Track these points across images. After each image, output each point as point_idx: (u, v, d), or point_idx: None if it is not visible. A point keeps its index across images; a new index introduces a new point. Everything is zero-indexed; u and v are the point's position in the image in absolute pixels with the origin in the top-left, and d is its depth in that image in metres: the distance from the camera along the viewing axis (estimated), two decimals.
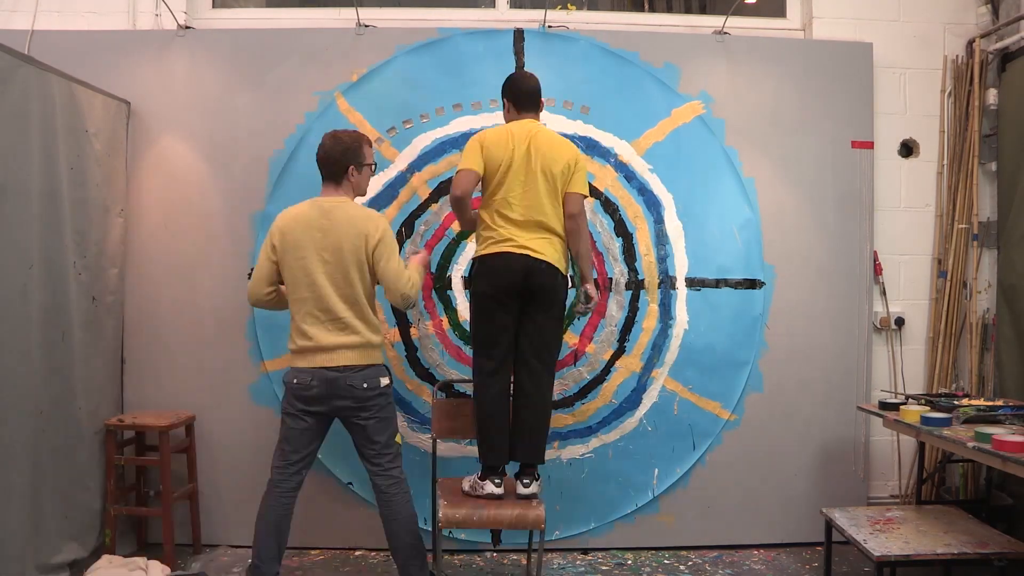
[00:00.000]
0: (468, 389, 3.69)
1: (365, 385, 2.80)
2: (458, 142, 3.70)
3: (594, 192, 3.73)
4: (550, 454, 3.70)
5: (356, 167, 2.88)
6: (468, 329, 3.69)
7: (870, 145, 3.87)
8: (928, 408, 3.20)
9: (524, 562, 3.59)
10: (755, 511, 3.76)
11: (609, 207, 3.74)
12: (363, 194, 3.02)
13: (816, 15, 3.98)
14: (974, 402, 3.28)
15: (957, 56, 3.97)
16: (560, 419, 3.70)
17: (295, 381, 2.83)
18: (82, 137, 3.31)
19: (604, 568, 3.55)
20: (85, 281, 3.34)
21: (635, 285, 3.75)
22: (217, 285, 3.70)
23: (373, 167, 2.99)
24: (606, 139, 3.74)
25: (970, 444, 2.74)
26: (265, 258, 2.88)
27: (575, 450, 3.72)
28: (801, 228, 3.82)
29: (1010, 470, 2.59)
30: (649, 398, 3.74)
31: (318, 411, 2.83)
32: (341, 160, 2.86)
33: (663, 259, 3.76)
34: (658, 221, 3.75)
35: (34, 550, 2.93)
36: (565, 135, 3.70)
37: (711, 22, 4.02)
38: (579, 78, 3.75)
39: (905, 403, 3.37)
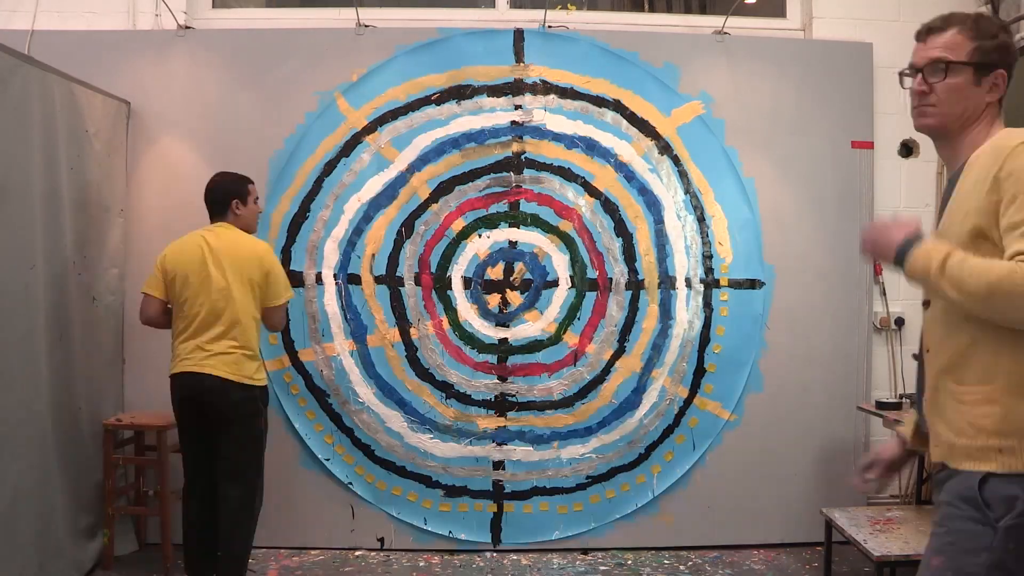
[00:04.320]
0: (467, 388, 3.69)
1: None
2: (458, 142, 3.70)
3: (594, 192, 3.74)
4: (550, 453, 3.71)
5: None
6: (467, 329, 3.71)
7: (870, 145, 3.87)
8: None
9: (524, 562, 3.59)
10: (755, 511, 3.76)
11: (609, 207, 3.74)
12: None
13: (816, 15, 3.98)
14: None
15: None
16: (560, 419, 3.71)
17: None
18: (82, 137, 3.31)
19: (604, 568, 3.55)
20: (85, 281, 3.34)
21: (635, 285, 3.75)
22: None
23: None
24: (606, 139, 3.74)
25: None
26: None
27: (575, 450, 3.72)
28: (801, 228, 3.82)
29: None
30: (649, 398, 3.74)
31: None
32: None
33: (663, 259, 3.76)
34: (658, 221, 3.76)
35: (40, 550, 2.93)
36: (564, 135, 3.73)
37: (711, 22, 4.02)
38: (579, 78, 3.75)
39: (900, 404, 3.38)
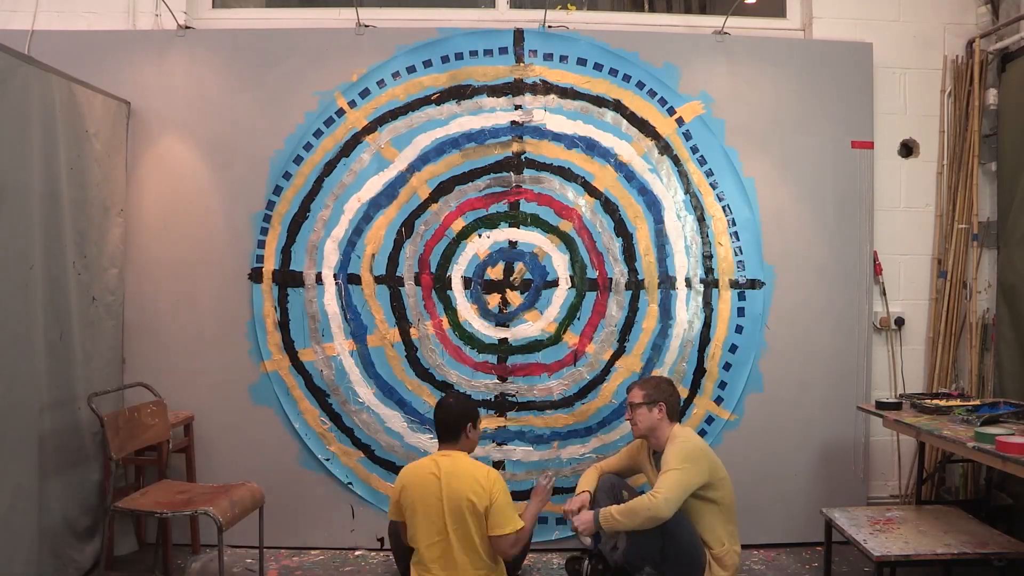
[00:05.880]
0: (467, 388, 3.69)
1: None
2: (458, 142, 3.71)
3: (594, 192, 3.74)
4: (550, 453, 3.71)
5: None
6: (467, 329, 3.71)
7: (870, 145, 3.87)
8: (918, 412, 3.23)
9: (524, 562, 3.58)
10: (755, 511, 3.76)
11: (609, 207, 3.74)
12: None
13: (816, 15, 3.98)
14: (958, 404, 3.29)
15: (957, 56, 3.97)
16: (560, 419, 3.71)
17: None
18: (82, 137, 3.31)
19: None
20: (85, 281, 3.34)
21: (635, 285, 3.75)
22: (217, 285, 3.71)
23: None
24: (606, 139, 3.74)
25: (970, 444, 2.74)
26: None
27: (575, 450, 3.72)
28: (801, 228, 3.82)
29: (1010, 470, 2.59)
30: None
31: None
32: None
33: (663, 259, 3.76)
34: (658, 221, 3.76)
35: (40, 550, 2.94)
36: (564, 135, 3.73)
37: (711, 22, 4.02)
38: (579, 78, 3.75)
39: (899, 404, 3.38)
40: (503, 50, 3.74)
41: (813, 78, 3.83)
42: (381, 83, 3.72)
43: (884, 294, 3.95)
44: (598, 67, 3.75)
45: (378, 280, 3.72)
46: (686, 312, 3.76)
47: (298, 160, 3.71)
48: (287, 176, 3.71)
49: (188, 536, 3.60)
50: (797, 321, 3.81)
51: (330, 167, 3.71)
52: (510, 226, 3.74)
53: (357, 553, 3.67)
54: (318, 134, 3.71)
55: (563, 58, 3.75)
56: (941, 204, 3.99)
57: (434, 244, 3.73)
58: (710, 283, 3.76)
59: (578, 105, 3.74)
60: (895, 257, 3.97)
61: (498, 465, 3.71)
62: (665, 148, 3.76)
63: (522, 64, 3.74)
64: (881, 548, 2.77)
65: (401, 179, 3.72)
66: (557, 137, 3.73)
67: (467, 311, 3.73)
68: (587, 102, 3.74)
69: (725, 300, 3.76)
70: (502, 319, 3.74)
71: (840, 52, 3.87)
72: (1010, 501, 3.63)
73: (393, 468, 3.68)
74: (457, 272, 3.73)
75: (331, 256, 3.70)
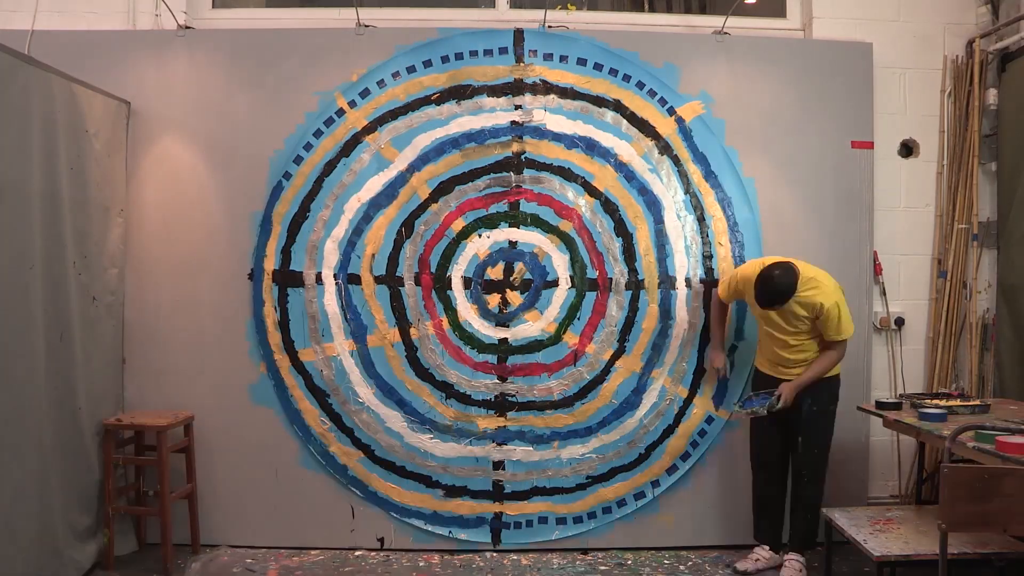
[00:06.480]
0: (467, 388, 3.70)
1: None
2: (458, 142, 3.71)
3: (594, 192, 3.74)
4: (550, 453, 3.72)
5: None
6: (467, 329, 3.71)
7: (870, 145, 3.87)
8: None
9: (524, 562, 3.59)
10: None
11: (609, 207, 3.74)
12: None
13: (816, 15, 3.98)
14: (958, 404, 3.29)
15: (957, 56, 3.97)
16: (560, 419, 3.71)
17: None
18: (82, 137, 3.31)
19: (604, 568, 3.55)
20: (85, 281, 3.34)
21: (635, 285, 3.75)
22: (217, 285, 3.71)
23: None
24: (606, 139, 3.74)
25: (970, 444, 2.74)
26: None
27: (575, 450, 3.73)
28: (801, 228, 3.82)
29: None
30: (649, 398, 3.74)
31: None
32: None
33: (663, 259, 3.76)
34: (658, 221, 3.76)
35: (40, 550, 2.94)
36: (564, 135, 3.73)
37: (711, 22, 4.02)
38: (579, 78, 3.75)
39: (899, 404, 3.38)
40: (503, 50, 3.74)
41: (813, 78, 3.83)
42: (381, 83, 3.72)
43: (884, 294, 3.95)
44: (598, 67, 3.75)
45: (378, 280, 3.72)
46: (686, 312, 3.75)
47: (298, 160, 3.71)
48: (287, 176, 3.71)
49: (188, 536, 3.60)
50: None
51: (330, 167, 3.71)
52: (510, 226, 3.74)
53: (357, 553, 3.67)
54: (318, 134, 3.71)
55: (563, 58, 3.75)
56: (941, 204, 3.99)
57: (434, 244, 3.73)
58: (710, 283, 3.76)
59: (578, 105, 3.74)
60: (895, 257, 3.97)
61: (498, 465, 3.71)
62: (665, 148, 3.76)
63: (522, 64, 3.74)
64: (881, 548, 2.77)
65: (401, 179, 3.72)
66: (557, 137, 3.73)
67: (467, 311, 3.73)
68: (587, 102, 3.74)
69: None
70: (502, 319, 3.74)
71: (840, 52, 3.87)
72: None
73: (393, 468, 3.69)
74: (457, 272, 3.73)
75: (331, 256, 3.70)
